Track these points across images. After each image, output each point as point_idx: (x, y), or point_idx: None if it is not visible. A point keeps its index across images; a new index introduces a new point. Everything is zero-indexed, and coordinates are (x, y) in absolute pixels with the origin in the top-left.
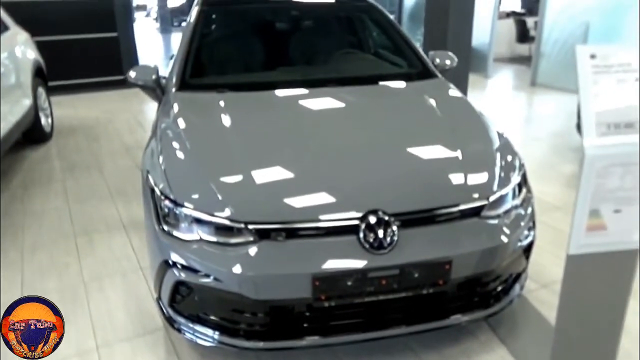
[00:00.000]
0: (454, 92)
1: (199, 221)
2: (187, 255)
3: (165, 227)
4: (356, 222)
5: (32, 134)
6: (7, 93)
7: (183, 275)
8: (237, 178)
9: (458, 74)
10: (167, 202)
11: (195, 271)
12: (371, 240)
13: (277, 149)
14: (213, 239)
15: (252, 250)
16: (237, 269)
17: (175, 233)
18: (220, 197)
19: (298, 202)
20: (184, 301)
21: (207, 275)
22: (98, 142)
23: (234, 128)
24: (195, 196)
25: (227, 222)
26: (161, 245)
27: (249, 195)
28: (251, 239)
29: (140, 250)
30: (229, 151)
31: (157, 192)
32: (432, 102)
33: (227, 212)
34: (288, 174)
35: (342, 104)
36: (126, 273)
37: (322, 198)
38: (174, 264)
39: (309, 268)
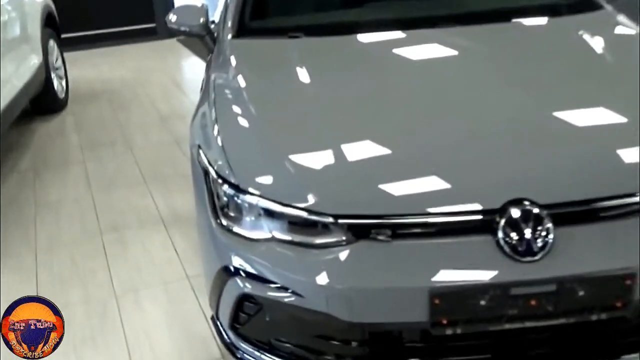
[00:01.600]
0: (628, 29)
1: (270, 213)
2: (255, 259)
3: (225, 222)
4: (493, 216)
5: (42, 101)
6: (10, 49)
7: (249, 287)
8: (322, 154)
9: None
10: (226, 188)
11: (265, 281)
12: (514, 241)
13: (375, 115)
14: (290, 237)
15: (344, 254)
16: (322, 280)
17: (237, 230)
18: (299, 181)
19: (408, 187)
20: (251, 322)
21: (283, 288)
22: (126, 110)
23: (314, 86)
24: (265, 179)
25: (309, 215)
26: (219, 247)
27: (339, 178)
28: (343, 238)
29: (186, 252)
30: (309, 117)
31: (213, 174)
32: (593, 45)
33: (310, 200)
34: (392, 149)
35: (458, 52)
36: (168, 283)
37: (442, 182)
38: (237, 271)
39: (425, 280)
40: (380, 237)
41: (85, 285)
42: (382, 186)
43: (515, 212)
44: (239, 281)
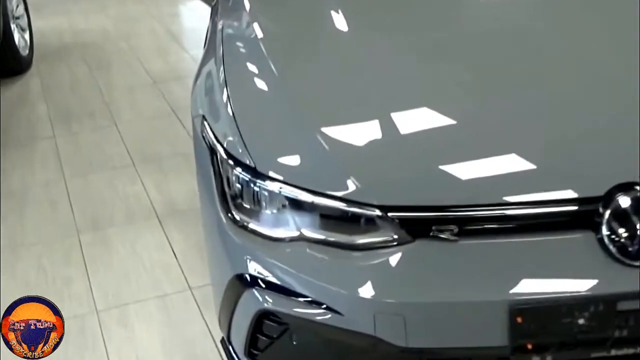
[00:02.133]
0: None
1: (297, 205)
2: (278, 265)
3: (238, 216)
4: (594, 206)
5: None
6: None
7: (270, 302)
8: (365, 126)
9: None
10: (239, 172)
11: (292, 294)
12: (623, 240)
13: (435, 74)
14: (323, 236)
15: (396, 258)
16: (367, 292)
17: (254, 226)
18: (335, 161)
19: (479, 169)
20: (273, 347)
21: (315, 303)
22: (107, 71)
23: (354, 36)
24: (291, 160)
25: (348, 207)
26: (231, 249)
27: (388, 158)
28: (394, 236)
29: (187, 255)
30: (347, 78)
31: (221, 153)
32: None
33: (350, 187)
34: (457, 119)
35: None
36: (165, 296)
37: (524, 162)
38: (255, 280)
39: (503, 292)
40: (444, 235)
41: (60, 298)
42: (446, 168)
43: (624, 201)
44: (257, 294)
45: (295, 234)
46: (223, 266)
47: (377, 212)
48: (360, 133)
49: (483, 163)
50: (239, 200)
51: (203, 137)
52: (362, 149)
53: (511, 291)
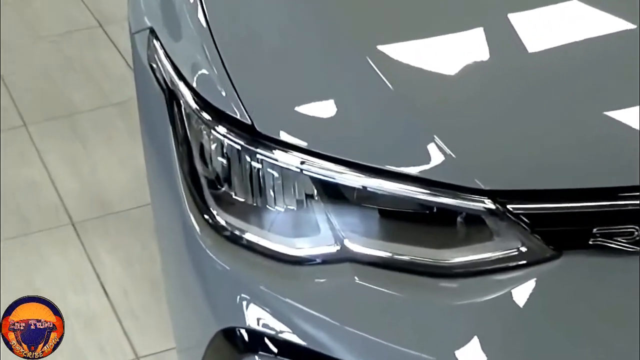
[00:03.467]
0: None
1: (334, 193)
2: (302, 310)
3: (223, 218)
4: None
5: None
6: None
7: None
8: (462, 51)
9: None
10: (224, 133)
11: None
12: None
13: None
14: (388, 251)
15: (527, 290)
16: (473, 356)
17: (255, 237)
18: (407, 114)
19: None
20: None
21: None
22: None
23: None
24: (321, 111)
25: (436, 196)
26: (212, 279)
27: (494, 113)
28: (521, 248)
29: (128, 294)
30: None
31: (188, 98)
32: None
33: (435, 159)
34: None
35: None
36: None
37: None
38: (257, 340)
39: None
40: (616, 245)
41: None
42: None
43: None
44: None
45: (333, 249)
46: (198, 314)
47: (489, 204)
48: (452, 63)
49: None
50: (224, 188)
51: (152, 69)
52: (457, 93)
53: None
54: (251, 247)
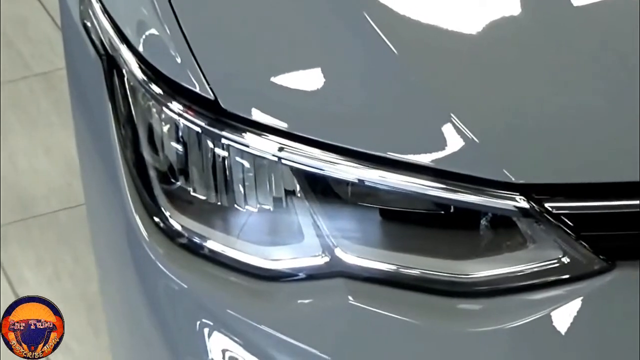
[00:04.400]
0: None
1: (322, 189)
2: (282, 340)
3: (178, 221)
4: None
5: None
6: None
7: None
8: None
9: None
10: (179, 111)
11: None
12: None
13: None
14: (391, 263)
15: (570, 313)
16: None
17: (219, 246)
18: (416, 85)
19: None
20: None
21: None
22: None
23: None
24: (302, 82)
25: (453, 193)
26: (165, 300)
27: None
28: (562, 258)
29: (67, 314)
30: None
31: (133, 67)
32: None
33: (453, 146)
34: None
35: None
36: None
37: None
38: None
39: None
40: None
41: None
42: None
43: None
44: None
45: (321, 261)
46: (147, 345)
47: (521, 202)
48: (474, 20)
49: None
50: (180, 183)
51: (86, 29)
52: (479, 60)
53: None
54: (215, 259)
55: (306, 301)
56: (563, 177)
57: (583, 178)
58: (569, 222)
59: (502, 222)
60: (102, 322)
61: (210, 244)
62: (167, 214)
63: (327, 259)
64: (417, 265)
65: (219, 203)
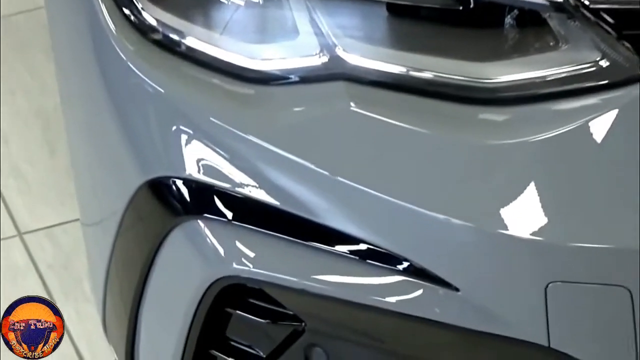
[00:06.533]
0: None
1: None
2: (271, 151)
3: (150, 17)
4: None
5: None
6: None
7: (250, 259)
8: None
9: None
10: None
11: (312, 233)
12: None
13: None
14: (402, 66)
15: (605, 124)
16: (526, 215)
17: (197, 42)
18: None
19: None
20: None
21: (381, 257)
22: None
23: None
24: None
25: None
26: (134, 102)
27: None
28: (599, 63)
29: (10, 142)
30: None
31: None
32: None
33: None
34: None
35: None
36: None
37: None
38: (204, 194)
39: None
40: None
41: None
42: None
43: None
44: (211, 235)
45: (319, 61)
46: (113, 160)
47: None
48: None
49: None
50: None
51: None
52: None
53: None
54: (195, 58)
55: (301, 107)
56: None
57: None
58: (609, 19)
59: (531, 19)
60: (59, 141)
61: (190, 41)
62: (139, 5)
63: (325, 59)
64: (429, 67)
65: None
